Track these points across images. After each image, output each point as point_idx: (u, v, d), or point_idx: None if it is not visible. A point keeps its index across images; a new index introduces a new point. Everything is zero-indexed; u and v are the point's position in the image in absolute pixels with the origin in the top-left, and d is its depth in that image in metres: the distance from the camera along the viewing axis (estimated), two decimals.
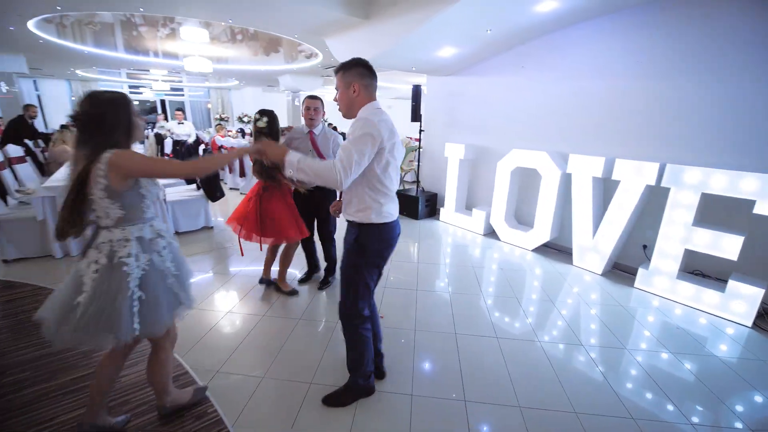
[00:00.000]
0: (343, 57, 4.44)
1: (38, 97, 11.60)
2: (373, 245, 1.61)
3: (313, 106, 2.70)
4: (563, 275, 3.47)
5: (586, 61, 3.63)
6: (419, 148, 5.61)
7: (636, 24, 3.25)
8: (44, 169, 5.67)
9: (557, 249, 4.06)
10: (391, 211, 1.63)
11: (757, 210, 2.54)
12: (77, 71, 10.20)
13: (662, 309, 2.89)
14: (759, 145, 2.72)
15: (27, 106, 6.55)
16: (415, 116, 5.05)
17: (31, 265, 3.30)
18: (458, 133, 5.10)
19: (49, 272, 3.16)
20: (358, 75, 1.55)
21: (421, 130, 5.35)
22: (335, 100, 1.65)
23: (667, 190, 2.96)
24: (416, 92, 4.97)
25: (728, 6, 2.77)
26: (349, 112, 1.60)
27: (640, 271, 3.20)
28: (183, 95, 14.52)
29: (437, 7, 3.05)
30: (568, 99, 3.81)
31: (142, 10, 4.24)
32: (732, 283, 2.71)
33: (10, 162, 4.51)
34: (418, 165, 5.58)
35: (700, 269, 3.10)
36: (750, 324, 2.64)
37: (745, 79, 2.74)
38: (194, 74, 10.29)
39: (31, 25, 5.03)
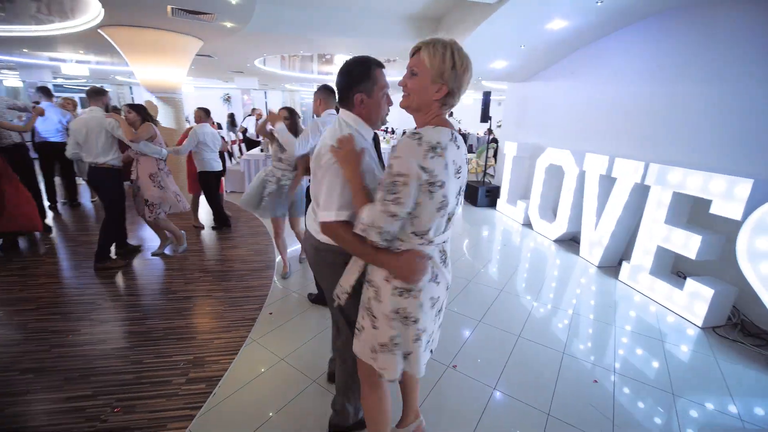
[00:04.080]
0: None
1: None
2: None
3: None
4: (564, 265, 3.83)
5: (613, 67, 3.87)
6: (496, 145, 6.34)
7: (659, 30, 3.37)
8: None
9: (577, 242, 4.30)
10: None
11: (713, 210, 2.59)
12: (285, 85, 14.86)
13: (640, 305, 3.00)
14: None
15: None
16: (484, 117, 5.88)
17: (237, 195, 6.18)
18: (523, 132, 5.63)
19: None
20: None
21: (489, 129, 6.10)
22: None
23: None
24: (486, 98, 5.79)
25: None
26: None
27: (624, 264, 3.37)
28: None
29: (469, 30, 4.03)
30: (598, 102, 4.07)
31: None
32: (689, 282, 2.77)
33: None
34: (495, 160, 6.32)
35: (684, 271, 3.07)
36: (700, 324, 2.68)
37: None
38: None
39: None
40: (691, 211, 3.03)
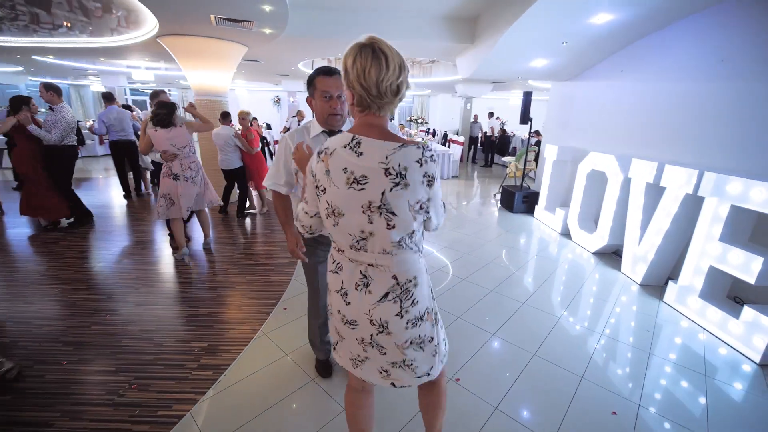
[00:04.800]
0: (463, 72, 5.66)
1: None
2: None
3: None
4: (602, 280, 3.50)
5: (666, 63, 3.46)
6: (537, 148, 5.99)
7: (723, 20, 2.95)
8: None
9: (619, 255, 3.91)
10: None
11: None
12: None
13: (687, 332, 2.64)
14: None
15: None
16: (524, 119, 5.58)
17: None
18: (567, 135, 5.25)
19: None
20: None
21: (536, 131, 5.76)
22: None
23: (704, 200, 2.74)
24: (527, 98, 5.49)
25: None
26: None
27: (670, 284, 3.00)
28: None
29: (504, 27, 3.85)
30: (648, 102, 3.67)
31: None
32: (747, 310, 2.39)
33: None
34: (536, 164, 5.98)
35: (742, 297, 2.65)
36: (758, 360, 2.30)
37: None
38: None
39: None
40: (753, 229, 2.61)
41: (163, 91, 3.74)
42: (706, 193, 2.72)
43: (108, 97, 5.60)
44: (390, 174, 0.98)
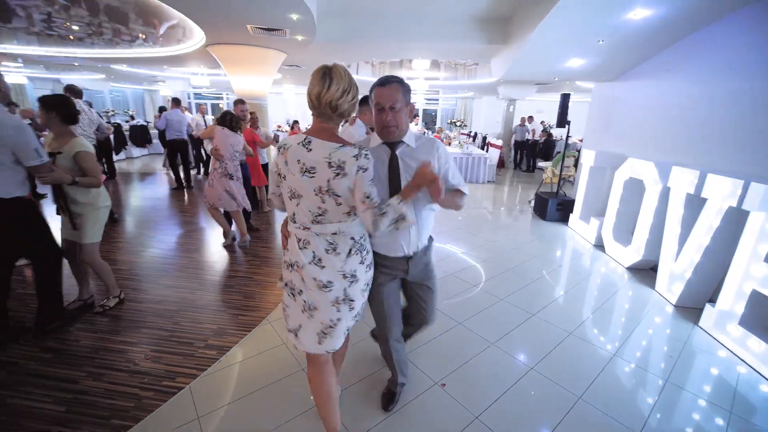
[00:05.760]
0: (496, 74, 5.52)
1: None
2: None
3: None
4: (632, 297, 3.22)
5: (717, 61, 3.11)
6: (578, 153, 5.64)
7: None
8: None
9: (655, 271, 3.56)
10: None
11: None
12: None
13: (725, 363, 2.35)
14: None
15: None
16: (561, 122, 5.27)
17: None
18: (607, 139, 4.89)
19: None
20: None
21: (568, 136, 5.44)
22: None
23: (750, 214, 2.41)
24: (564, 100, 5.18)
25: None
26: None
27: (707, 307, 2.68)
28: (437, 104, 18.40)
29: (534, 26, 3.69)
30: (695, 104, 3.32)
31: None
32: None
33: None
34: (576, 170, 5.64)
35: None
36: None
37: None
38: (445, 87, 13.35)
39: None
40: None
41: (243, 101, 4.21)
42: (752, 206, 2.40)
43: (176, 101, 6.35)
44: (332, 166, 1.24)
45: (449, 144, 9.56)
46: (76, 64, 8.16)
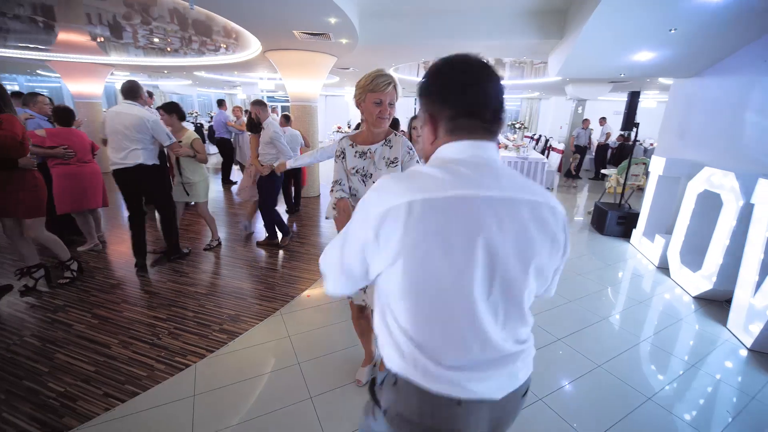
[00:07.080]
0: (552, 71, 5.09)
1: None
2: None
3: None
4: (696, 334, 2.72)
5: None
6: (648, 159, 4.93)
7: None
8: None
9: (729, 303, 2.93)
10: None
11: None
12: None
13: None
14: None
15: None
16: (627, 125, 4.65)
17: None
18: (683, 145, 4.19)
19: None
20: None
21: (636, 140, 4.77)
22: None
23: None
24: (632, 99, 4.56)
25: None
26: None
27: None
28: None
29: (589, 15, 3.31)
30: None
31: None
32: None
33: None
34: (646, 178, 4.95)
35: None
36: None
37: None
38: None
39: None
40: None
41: (260, 102, 4.34)
42: None
43: (219, 103, 6.97)
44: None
45: (505, 148, 8.97)
46: (165, 72, 9.40)
